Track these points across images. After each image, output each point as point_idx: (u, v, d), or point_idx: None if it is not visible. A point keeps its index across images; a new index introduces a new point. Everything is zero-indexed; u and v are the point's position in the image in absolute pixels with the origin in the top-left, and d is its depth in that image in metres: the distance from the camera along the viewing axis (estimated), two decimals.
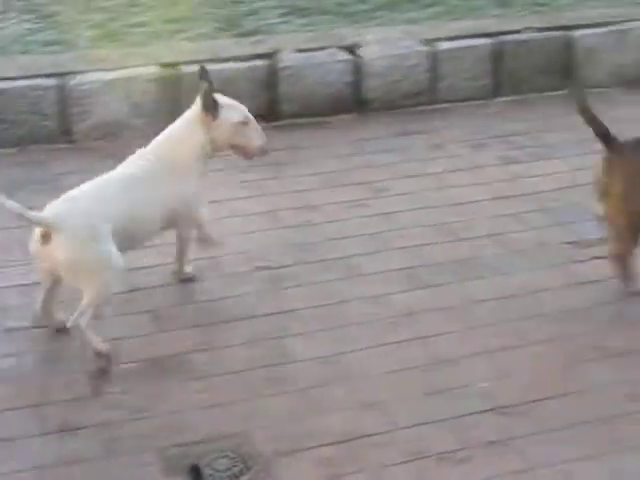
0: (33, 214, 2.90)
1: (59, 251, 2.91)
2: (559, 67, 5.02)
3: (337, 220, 3.85)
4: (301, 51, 4.77)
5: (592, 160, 4.26)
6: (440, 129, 4.68)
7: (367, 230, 3.77)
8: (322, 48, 4.81)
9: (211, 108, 3.17)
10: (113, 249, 2.97)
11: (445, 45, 4.90)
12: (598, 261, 3.54)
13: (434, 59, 4.86)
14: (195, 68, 4.54)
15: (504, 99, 4.95)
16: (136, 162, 3.21)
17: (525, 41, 4.96)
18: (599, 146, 4.39)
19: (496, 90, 4.96)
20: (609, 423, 2.75)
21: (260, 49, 4.78)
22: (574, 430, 2.72)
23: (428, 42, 4.90)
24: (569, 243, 3.67)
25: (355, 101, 4.80)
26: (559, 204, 3.96)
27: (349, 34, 4.99)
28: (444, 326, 3.18)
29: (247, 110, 3.25)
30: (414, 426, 2.73)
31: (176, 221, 3.25)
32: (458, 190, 4.09)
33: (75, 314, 2.97)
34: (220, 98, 3.22)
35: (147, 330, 3.17)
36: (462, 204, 3.97)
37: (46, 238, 2.92)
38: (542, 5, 5.45)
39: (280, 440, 2.69)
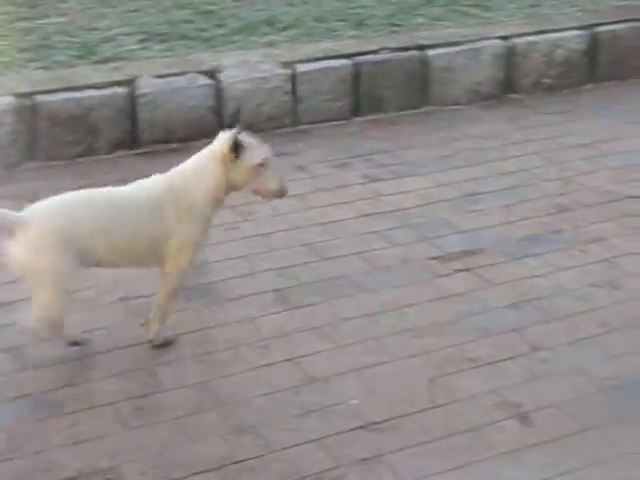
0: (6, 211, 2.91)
1: (16, 250, 2.88)
2: (416, 86, 5.14)
3: (206, 245, 3.83)
4: (160, 77, 4.74)
5: (452, 176, 4.42)
6: (303, 150, 4.73)
7: (235, 253, 3.77)
8: (181, 73, 4.80)
9: (235, 149, 3.03)
10: (65, 267, 2.91)
11: (304, 67, 4.95)
12: (462, 274, 3.63)
13: (294, 81, 4.91)
14: (50, 97, 4.53)
15: (364, 118, 5.04)
16: (142, 185, 3.11)
17: (382, 61, 5.07)
18: (457, 162, 4.56)
19: (356, 110, 5.04)
20: (478, 432, 2.80)
21: (118, 76, 4.74)
22: (444, 441, 2.76)
23: (287, 65, 4.94)
24: (433, 258, 3.74)
25: (217, 125, 4.74)
26: (422, 220, 4.04)
27: (208, 59, 4.99)
28: (314, 346, 3.20)
29: (269, 151, 3.11)
30: (288, 448, 2.73)
31: (161, 260, 3.11)
32: (323, 210, 4.13)
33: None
34: (244, 138, 3.07)
35: (9, 368, 3.07)
36: (327, 223, 4.01)
37: (11, 233, 2.88)
38: (397, 25, 5.56)
39: (151, 472, 2.64)
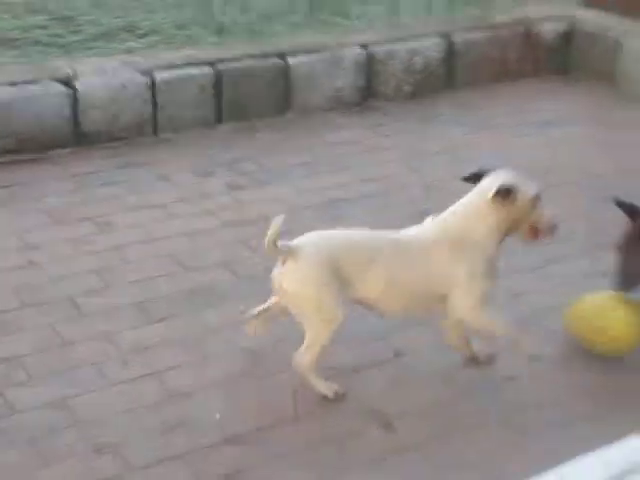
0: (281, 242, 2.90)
1: (284, 278, 2.89)
2: (278, 93, 5.12)
3: (61, 258, 3.72)
4: (13, 84, 4.57)
5: (315, 182, 4.42)
6: (165, 159, 4.64)
7: (93, 266, 3.66)
8: (35, 81, 4.64)
9: (506, 194, 2.92)
10: (328, 299, 2.86)
11: (164, 75, 4.86)
12: None
13: (154, 89, 4.82)
14: None
15: (227, 126, 4.98)
16: (413, 230, 3.05)
17: (243, 68, 5.02)
18: (320, 169, 4.57)
19: (218, 118, 4.98)
20: (343, 442, 2.79)
21: None
22: (309, 453, 2.74)
23: (147, 72, 4.84)
24: None
25: (74, 134, 4.66)
26: (285, 228, 3.99)
27: (64, 66, 4.84)
28: (178, 359, 3.13)
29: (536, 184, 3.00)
30: (149, 466, 2.66)
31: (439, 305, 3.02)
32: (186, 219, 4.06)
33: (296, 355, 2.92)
34: (508, 179, 2.96)
35: None
36: (190, 234, 3.94)
37: (284, 263, 2.90)
38: (257, 33, 5.54)
39: None
